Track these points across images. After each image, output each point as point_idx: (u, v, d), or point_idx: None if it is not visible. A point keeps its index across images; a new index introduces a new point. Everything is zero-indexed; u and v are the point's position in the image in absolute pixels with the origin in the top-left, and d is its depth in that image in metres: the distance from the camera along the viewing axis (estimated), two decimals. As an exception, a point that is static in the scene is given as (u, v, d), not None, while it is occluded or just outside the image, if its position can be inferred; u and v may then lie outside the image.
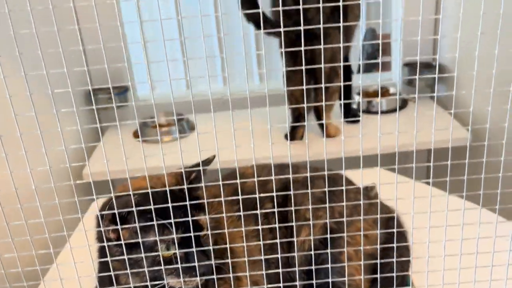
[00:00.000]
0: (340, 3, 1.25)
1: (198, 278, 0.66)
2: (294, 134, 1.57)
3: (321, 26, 0.64)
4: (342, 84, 1.55)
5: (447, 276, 0.73)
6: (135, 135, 1.72)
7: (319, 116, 1.57)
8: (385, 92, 1.88)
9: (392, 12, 1.94)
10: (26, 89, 0.60)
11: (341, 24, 1.07)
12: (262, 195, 0.71)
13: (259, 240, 0.78)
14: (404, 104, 1.85)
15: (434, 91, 1.88)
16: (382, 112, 1.79)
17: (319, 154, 0.73)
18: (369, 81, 2.05)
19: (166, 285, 0.67)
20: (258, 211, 0.66)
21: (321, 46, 0.67)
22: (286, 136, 1.59)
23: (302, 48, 0.62)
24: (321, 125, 1.57)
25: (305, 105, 1.45)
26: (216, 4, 1.94)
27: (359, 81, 2.07)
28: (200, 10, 0.59)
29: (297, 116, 1.56)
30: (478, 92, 0.65)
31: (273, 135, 0.64)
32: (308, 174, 0.85)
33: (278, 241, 0.69)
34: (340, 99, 1.62)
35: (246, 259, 0.67)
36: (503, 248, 0.73)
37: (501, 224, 0.72)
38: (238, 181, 0.64)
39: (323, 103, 0.96)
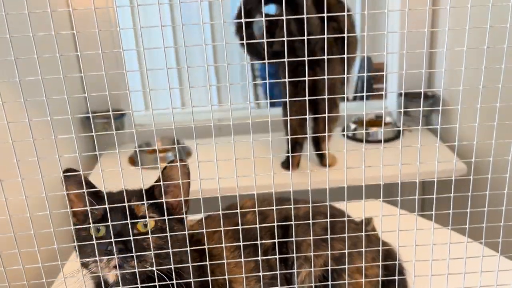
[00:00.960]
0: (345, 34, 1.28)
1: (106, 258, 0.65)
2: (291, 162, 1.56)
3: (325, 57, 0.64)
4: (340, 114, 1.55)
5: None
6: (130, 160, 1.70)
7: (317, 146, 1.56)
8: (379, 121, 1.89)
9: (388, 41, 1.96)
10: (24, 114, 0.59)
11: (345, 56, 1.08)
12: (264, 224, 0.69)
13: (258, 280, 0.77)
14: (399, 133, 1.85)
15: (429, 121, 1.89)
16: (378, 141, 1.79)
17: (316, 183, 0.73)
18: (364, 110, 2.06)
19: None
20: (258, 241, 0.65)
21: (325, 76, 0.68)
22: (282, 164, 1.58)
23: (306, 78, 0.62)
24: (319, 155, 1.57)
25: (307, 135, 1.47)
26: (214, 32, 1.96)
27: (354, 109, 2.09)
28: (204, 39, 0.59)
29: (294, 144, 1.56)
30: (471, 123, 0.65)
31: (268, 163, 0.63)
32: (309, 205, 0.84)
33: (278, 275, 0.68)
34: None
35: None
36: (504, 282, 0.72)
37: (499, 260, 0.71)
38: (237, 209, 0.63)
39: (326, 134, 0.96)
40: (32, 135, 0.59)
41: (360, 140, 1.82)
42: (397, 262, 0.83)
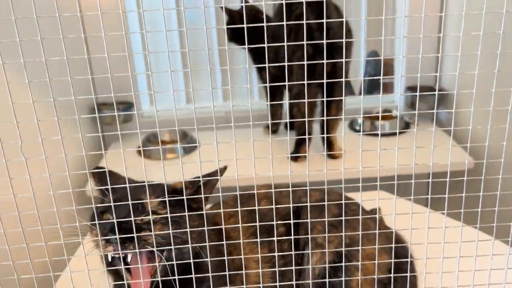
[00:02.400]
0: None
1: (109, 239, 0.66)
2: (299, 150, 1.57)
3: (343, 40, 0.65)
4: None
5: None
6: (138, 152, 1.72)
7: (327, 131, 1.57)
8: (388, 114, 1.90)
9: (395, 33, 1.97)
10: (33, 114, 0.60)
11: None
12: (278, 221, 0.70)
13: (271, 265, 0.78)
14: (406, 126, 1.86)
15: (437, 114, 1.90)
16: (385, 135, 1.80)
17: (323, 174, 0.74)
18: (372, 103, 2.07)
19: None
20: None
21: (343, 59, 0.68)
22: (292, 156, 1.58)
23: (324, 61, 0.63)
24: (328, 144, 1.57)
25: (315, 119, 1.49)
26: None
27: (361, 102, 2.10)
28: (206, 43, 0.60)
29: (303, 132, 1.56)
30: (478, 115, 0.65)
31: (275, 154, 0.64)
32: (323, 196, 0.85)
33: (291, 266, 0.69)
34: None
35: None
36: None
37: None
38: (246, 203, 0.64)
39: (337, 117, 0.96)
40: (59, 129, 0.60)
41: (368, 133, 1.82)
42: (408, 256, 0.84)
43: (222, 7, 1.71)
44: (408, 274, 0.81)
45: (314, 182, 0.83)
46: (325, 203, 0.72)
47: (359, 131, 1.85)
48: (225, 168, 0.72)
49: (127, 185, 0.63)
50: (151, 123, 1.84)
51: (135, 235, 0.64)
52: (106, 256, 0.70)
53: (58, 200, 0.64)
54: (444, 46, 1.77)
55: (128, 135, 1.81)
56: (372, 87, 2.15)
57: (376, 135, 1.81)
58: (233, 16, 1.67)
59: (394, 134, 1.80)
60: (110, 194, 0.67)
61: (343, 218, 0.70)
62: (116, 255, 0.67)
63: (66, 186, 0.64)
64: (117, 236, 0.64)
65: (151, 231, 0.66)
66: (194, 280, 0.66)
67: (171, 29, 1.90)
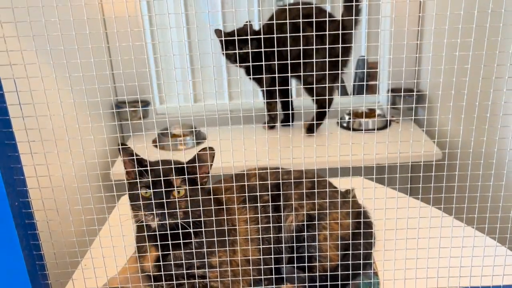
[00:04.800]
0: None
1: (154, 213, 0.91)
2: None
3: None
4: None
5: (398, 263, 0.98)
6: (154, 143, 1.99)
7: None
8: (372, 113, 2.15)
9: (380, 40, 2.22)
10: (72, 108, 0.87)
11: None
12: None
13: (257, 223, 1.05)
14: (388, 124, 2.11)
15: (415, 113, 2.15)
16: (369, 130, 2.06)
17: (313, 163, 0.99)
18: (360, 103, 2.32)
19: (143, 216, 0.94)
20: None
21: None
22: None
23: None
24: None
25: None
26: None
27: (349, 103, 2.35)
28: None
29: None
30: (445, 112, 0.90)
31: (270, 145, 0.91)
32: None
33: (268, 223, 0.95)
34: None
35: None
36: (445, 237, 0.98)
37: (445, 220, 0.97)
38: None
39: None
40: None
41: (354, 129, 2.08)
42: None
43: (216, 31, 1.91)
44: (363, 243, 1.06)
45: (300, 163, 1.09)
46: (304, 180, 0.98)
47: (346, 127, 2.11)
48: (210, 148, 0.98)
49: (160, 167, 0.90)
50: (165, 120, 2.11)
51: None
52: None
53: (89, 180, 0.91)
54: (421, 58, 2.02)
55: (145, 129, 2.08)
56: (360, 88, 2.40)
57: (361, 130, 2.07)
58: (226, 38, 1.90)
59: (379, 129, 2.06)
60: (149, 172, 0.93)
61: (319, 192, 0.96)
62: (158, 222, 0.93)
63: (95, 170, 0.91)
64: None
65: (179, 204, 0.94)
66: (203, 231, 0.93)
67: (180, 53, 2.16)
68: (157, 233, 0.96)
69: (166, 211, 0.92)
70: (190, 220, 0.95)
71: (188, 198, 0.94)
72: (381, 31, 2.12)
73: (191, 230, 0.94)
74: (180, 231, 0.94)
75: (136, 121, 2.02)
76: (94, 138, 0.88)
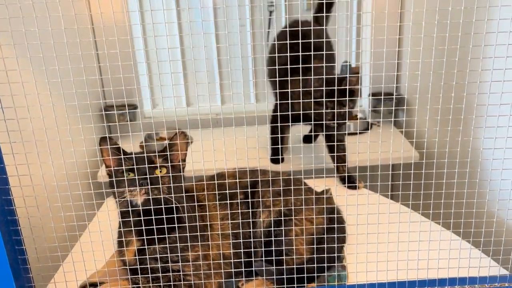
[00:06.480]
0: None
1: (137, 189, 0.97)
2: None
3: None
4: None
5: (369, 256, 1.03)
6: (141, 146, 2.04)
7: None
8: (354, 116, 2.21)
9: (362, 46, 2.28)
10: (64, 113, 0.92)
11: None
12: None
13: (231, 220, 1.11)
14: (369, 127, 2.17)
15: (395, 116, 2.21)
16: (351, 134, 2.11)
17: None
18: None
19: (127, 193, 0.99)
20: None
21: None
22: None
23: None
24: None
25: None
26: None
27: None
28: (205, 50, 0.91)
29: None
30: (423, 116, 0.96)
31: (253, 152, 0.95)
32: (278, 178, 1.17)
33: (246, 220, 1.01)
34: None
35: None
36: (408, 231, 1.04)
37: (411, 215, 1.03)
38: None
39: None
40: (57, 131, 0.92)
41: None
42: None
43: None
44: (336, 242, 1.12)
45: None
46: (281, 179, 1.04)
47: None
48: (182, 132, 1.04)
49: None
50: (151, 122, 2.16)
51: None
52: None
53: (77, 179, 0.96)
54: (401, 64, 2.09)
55: (132, 132, 2.13)
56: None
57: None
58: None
59: (360, 133, 2.12)
60: (134, 156, 1.00)
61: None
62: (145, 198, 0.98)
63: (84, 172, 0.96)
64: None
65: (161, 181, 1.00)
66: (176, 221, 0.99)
67: (175, 59, 2.22)
68: (142, 218, 1.01)
69: (149, 186, 0.98)
70: (173, 195, 1.00)
71: (170, 174, 1.02)
72: (362, 39, 2.19)
73: (174, 205, 1.00)
74: (163, 206, 0.99)
75: (123, 123, 2.08)
76: (73, 140, 0.94)
